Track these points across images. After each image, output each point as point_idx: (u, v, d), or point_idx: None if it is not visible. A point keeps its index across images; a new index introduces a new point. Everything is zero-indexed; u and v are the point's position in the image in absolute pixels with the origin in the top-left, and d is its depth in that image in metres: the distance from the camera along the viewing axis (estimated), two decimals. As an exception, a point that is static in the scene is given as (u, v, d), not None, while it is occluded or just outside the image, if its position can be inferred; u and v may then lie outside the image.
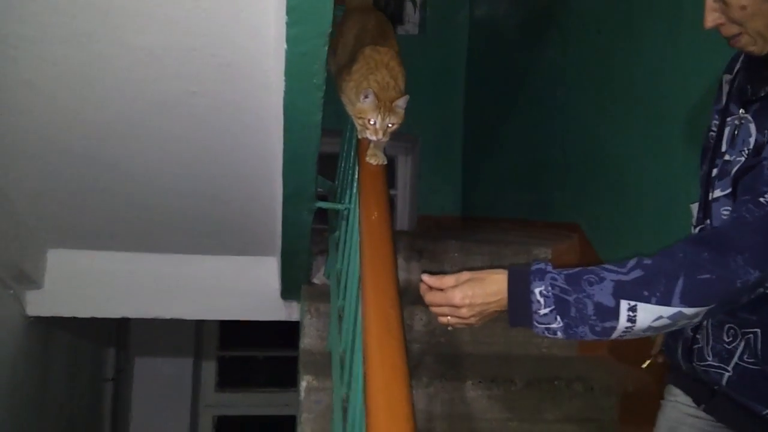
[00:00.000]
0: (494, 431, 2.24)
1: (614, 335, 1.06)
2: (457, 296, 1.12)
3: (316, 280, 2.71)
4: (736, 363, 1.18)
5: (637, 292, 1.04)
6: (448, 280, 1.15)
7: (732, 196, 1.15)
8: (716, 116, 1.29)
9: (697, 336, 1.26)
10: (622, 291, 1.04)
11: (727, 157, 1.18)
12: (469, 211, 4.57)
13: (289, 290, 2.73)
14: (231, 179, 2.12)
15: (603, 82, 2.73)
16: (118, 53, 1.53)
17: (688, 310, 1.03)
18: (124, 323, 4.52)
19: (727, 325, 1.19)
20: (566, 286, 1.06)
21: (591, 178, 2.80)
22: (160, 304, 2.86)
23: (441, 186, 4.67)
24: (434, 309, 1.17)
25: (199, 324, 5.03)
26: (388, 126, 1.71)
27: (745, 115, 1.16)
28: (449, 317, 1.16)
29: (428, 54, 4.46)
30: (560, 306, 1.06)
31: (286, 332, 3.78)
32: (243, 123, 1.82)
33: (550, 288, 1.06)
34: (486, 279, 1.12)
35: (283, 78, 1.52)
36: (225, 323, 4.99)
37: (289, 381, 5.02)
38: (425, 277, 1.18)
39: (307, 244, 2.40)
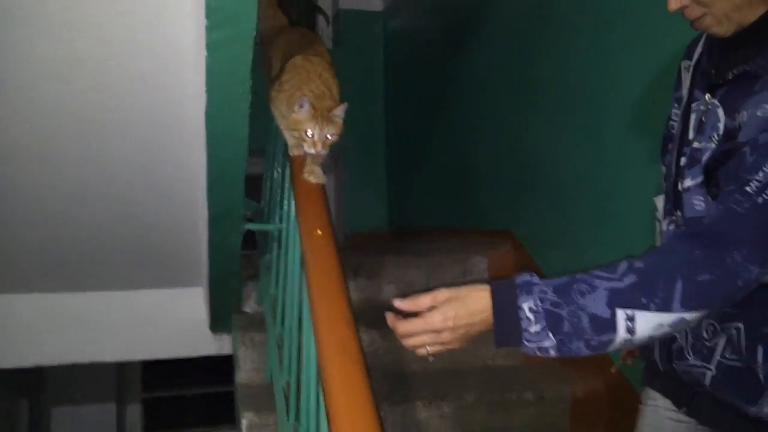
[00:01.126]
0: (448, 451, 2.16)
1: (611, 348, 0.97)
2: (437, 319, 0.99)
3: (247, 309, 2.58)
4: (719, 361, 1.12)
5: (634, 299, 0.95)
6: (423, 301, 1.01)
7: (704, 184, 1.09)
8: (676, 104, 1.25)
9: (676, 334, 1.19)
10: (617, 299, 0.95)
11: (696, 145, 1.13)
12: (399, 225, 4.52)
13: (219, 321, 2.59)
14: (151, 202, 2.01)
15: (529, 85, 2.71)
16: (23, 68, 1.41)
17: (689, 315, 0.96)
18: (37, 371, 4.26)
19: (705, 321, 1.13)
20: (557, 299, 0.96)
21: (522, 183, 2.78)
22: (76, 347, 2.70)
23: (368, 201, 4.62)
24: (410, 341, 1.02)
25: (120, 365, 4.80)
26: (326, 137, 1.60)
27: (712, 100, 1.11)
28: (428, 346, 1.01)
29: (344, 67, 4.31)
30: (552, 322, 0.96)
31: (217, 366, 3.59)
32: (161, 139, 1.72)
33: (539, 303, 0.96)
34: (468, 296, 1.00)
35: (204, 88, 1.41)
36: (148, 362, 4.75)
37: (224, 418, 4.80)
38: (397, 303, 1.03)
39: (236, 270, 2.28)
